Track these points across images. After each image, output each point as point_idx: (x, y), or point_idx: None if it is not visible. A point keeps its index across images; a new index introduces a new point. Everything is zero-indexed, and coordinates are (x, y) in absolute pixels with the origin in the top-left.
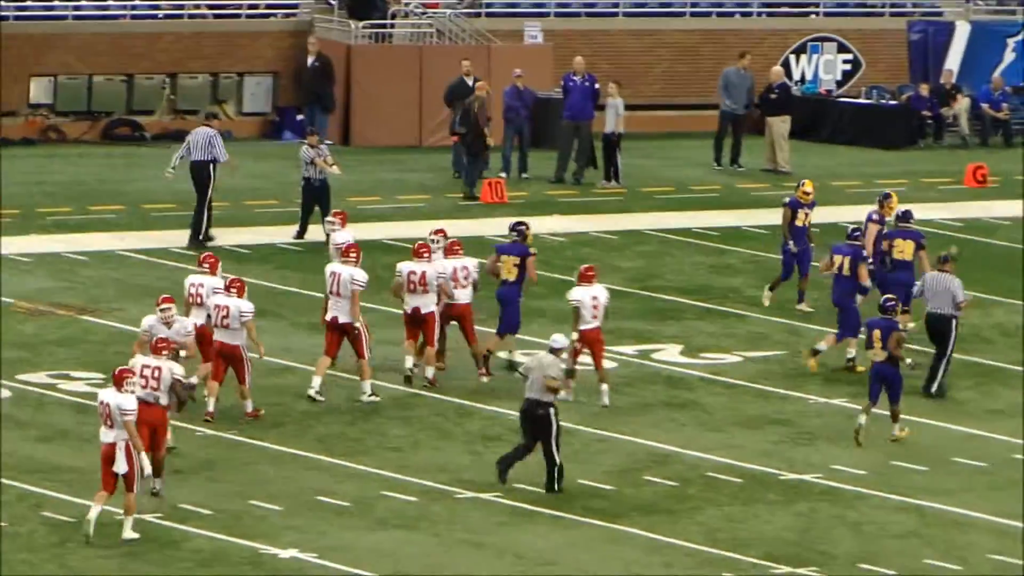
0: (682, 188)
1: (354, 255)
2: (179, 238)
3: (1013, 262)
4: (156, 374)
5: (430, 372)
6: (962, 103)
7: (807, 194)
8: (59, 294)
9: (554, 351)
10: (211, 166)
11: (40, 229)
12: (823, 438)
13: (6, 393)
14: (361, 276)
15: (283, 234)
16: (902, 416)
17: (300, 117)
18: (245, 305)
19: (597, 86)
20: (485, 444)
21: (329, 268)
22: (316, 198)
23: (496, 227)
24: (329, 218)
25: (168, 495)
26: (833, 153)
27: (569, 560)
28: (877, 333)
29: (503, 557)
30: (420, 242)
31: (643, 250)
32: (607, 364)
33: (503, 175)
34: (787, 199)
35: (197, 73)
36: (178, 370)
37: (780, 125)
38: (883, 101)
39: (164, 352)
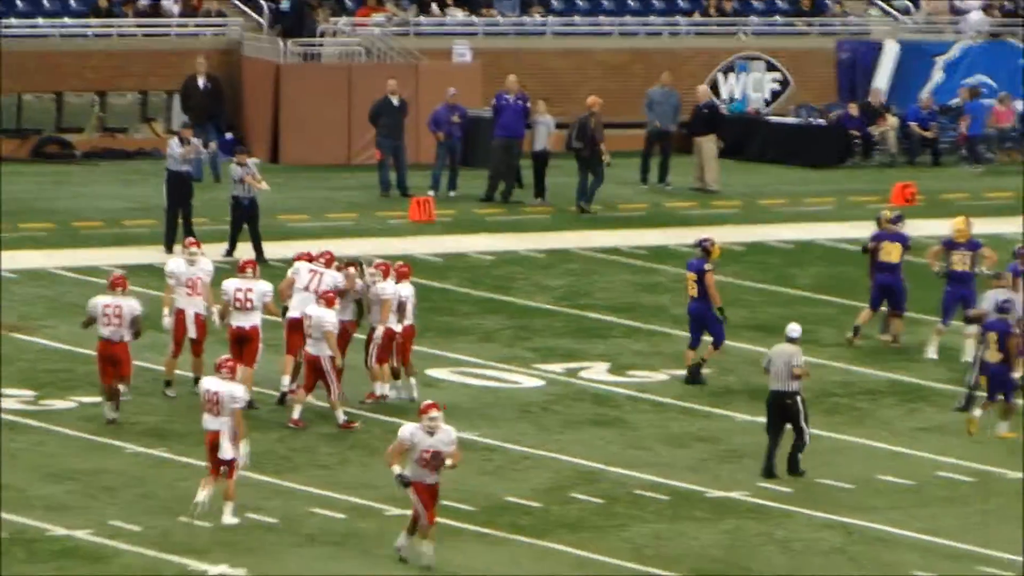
0: (610, 206)
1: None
2: (108, 256)
3: (937, 280)
4: (118, 311)
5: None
6: (890, 122)
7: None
8: (43, 309)
9: (791, 340)
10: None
11: (25, 244)
12: (749, 455)
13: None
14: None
15: (213, 252)
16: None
17: (228, 135)
18: (328, 315)
19: (528, 105)
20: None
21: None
22: (246, 216)
23: (422, 246)
24: (371, 269)
25: (95, 513)
26: (761, 172)
27: (499, 564)
28: (993, 336)
29: (439, 566)
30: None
31: (571, 268)
32: (534, 382)
33: (431, 193)
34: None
35: (127, 91)
36: (137, 308)
37: (708, 144)
38: (812, 120)
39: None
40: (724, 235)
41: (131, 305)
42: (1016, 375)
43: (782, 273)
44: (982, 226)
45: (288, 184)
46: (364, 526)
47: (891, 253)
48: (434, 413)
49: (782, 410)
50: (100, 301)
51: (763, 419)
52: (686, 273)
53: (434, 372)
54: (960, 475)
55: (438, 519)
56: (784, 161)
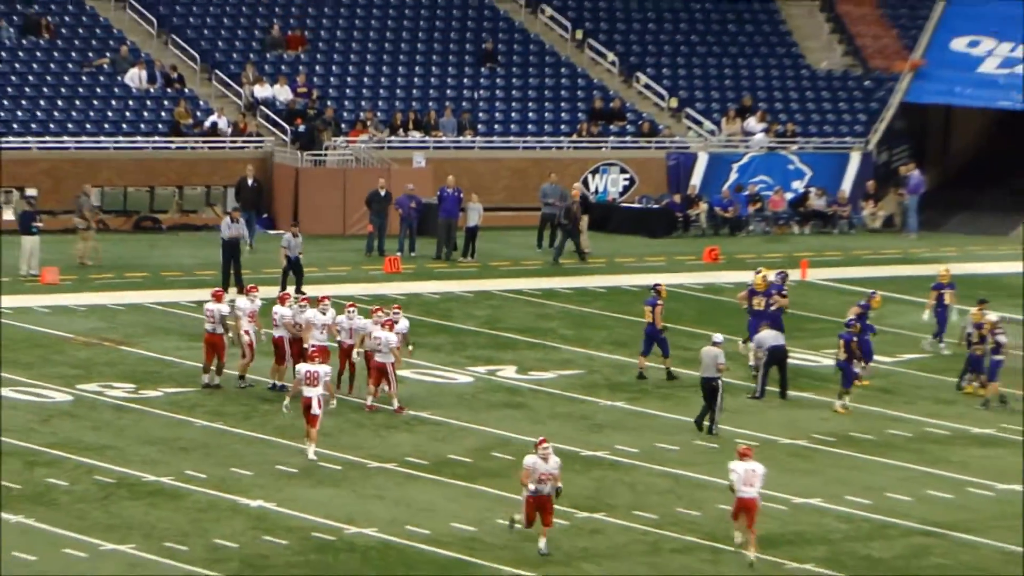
0: (516, 263)
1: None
2: (184, 295)
3: (738, 313)
4: (211, 314)
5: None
6: (702, 207)
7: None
8: (104, 331)
9: (716, 344)
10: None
11: (91, 288)
12: (609, 427)
13: (69, 397)
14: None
15: (273, 293)
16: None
17: (265, 216)
18: (392, 337)
19: (462, 195)
20: (385, 431)
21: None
22: (293, 268)
23: (392, 289)
24: (395, 308)
25: (175, 466)
26: (617, 240)
27: (441, 507)
28: (841, 342)
29: (398, 505)
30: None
31: (490, 304)
32: (467, 379)
33: (399, 253)
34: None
35: (196, 185)
36: (226, 310)
37: (582, 222)
38: (650, 205)
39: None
40: (593, 282)
41: (221, 309)
42: (857, 369)
43: (631, 307)
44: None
45: (304, 247)
46: (354, 474)
47: (760, 303)
48: (546, 445)
49: (709, 390)
50: (206, 307)
51: (618, 403)
52: (644, 307)
53: (401, 372)
54: (752, 440)
55: (405, 470)
56: (632, 233)
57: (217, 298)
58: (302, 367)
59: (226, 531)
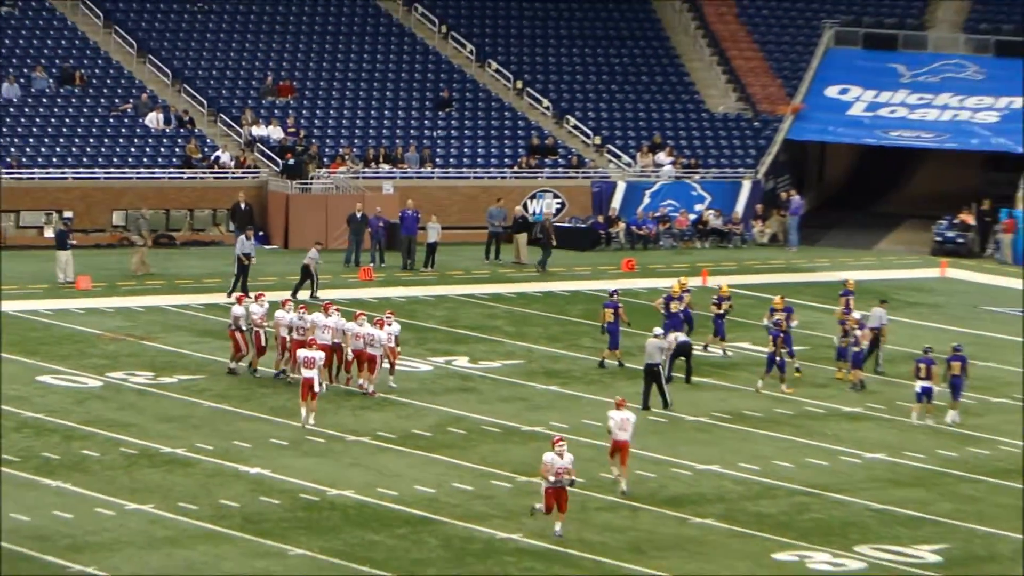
0: (468, 272)
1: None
2: (195, 299)
3: (651, 312)
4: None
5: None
6: (620, 226)
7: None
8: (128, 329)
9: (656, 336)
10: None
11: (119, 294)
12: (544, 407)
13: (99, 383)
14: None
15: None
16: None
17: (260, 234)
18: (383, 334)
19: (420, 215)
20: (360, 410)
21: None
22: (312, 276)
23: (367, 294)
24: (388, 313)
25: (187, 440)
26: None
27: (407, 473)
28: (771, 338)
29: (371, 471)
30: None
31: (448, 306)
32: (428, 367)
33: (371, 265)
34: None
35: (204, 208)
36: (240, 311)
37: (521, 238)
38: (578, 224)
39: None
40: (531, 288)
41: (239, 310)
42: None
43: (563, 308)
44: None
45: (294, 259)
46: (336, 447)
47: (676, 307)
48: (562, 443)
49: (652, 374)
50: (234, 310)
51: (551, 387)
52: (606, 309)
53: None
54: (662, 418)
55: (377, 443)
56: (563, 247)
57: (240, 301)
58: (302, 353)
59: (229, 493)
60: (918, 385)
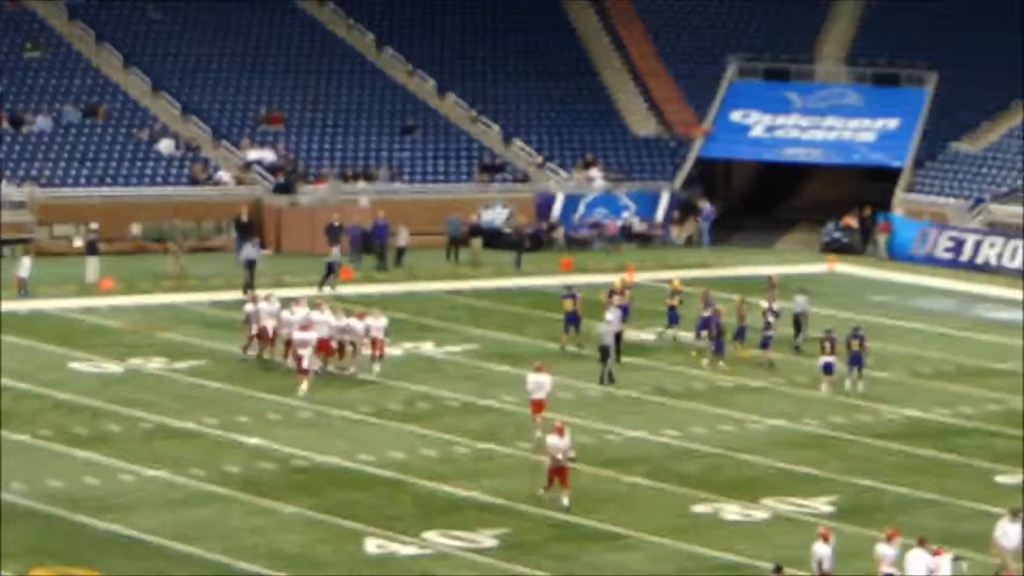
0: (432, 271)
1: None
2: (202, 297)
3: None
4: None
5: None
6: (559, 231)
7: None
8: (146, 322)
9: (608, 321)
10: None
11: (138, 292)
12: (499, 386)
13: (121, 368)
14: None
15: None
16: None
17: (258, 240)
18: (360, 325)
19: (389, 224)
20: (343, 389)
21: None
22: (333, 271)
23: (347, 291)
24: (374, 311)
25: (195, 415)
26: (501, 255)
27: (380, 442)
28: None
29: (352, 441)
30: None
31: (415, 301)
32: (398, 352)
33: (351, 265)
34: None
35: (209, 220)
36: (249, 308)
37: (476, 241)
38: (524, 231)
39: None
40: (485, 285)
41: (249, 308)
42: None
43: (512, 301)
44: (606, 278)
45: (286, 261)
46: (322, 421)
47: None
48: (561, 428)
49: (604, 354)
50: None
51: (503, 368)
52: (565, 300)
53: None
54: (598, 393)
55: (356, 415)
56: (511, 250)
57: (255, 301)
58: (297, 335)
59: (232, 460)
60: (822, 360)
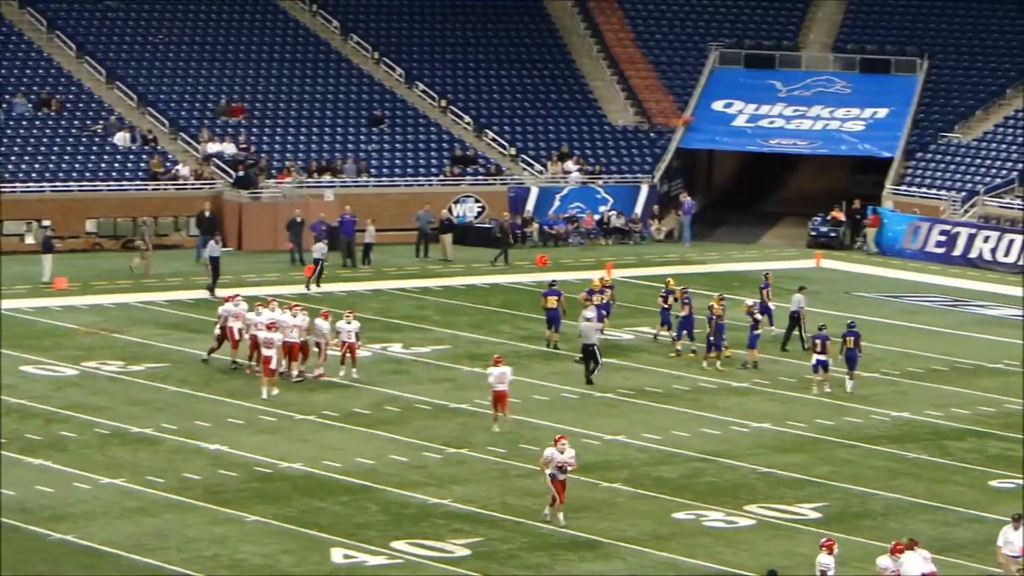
0: (400, 268)
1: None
2: (159, 296)
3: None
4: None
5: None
6: (534, 226)
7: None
8: (101, 323)
9: (588, 320)
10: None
11: (92, 292)
12: (469, 387)
13: (75, 372)
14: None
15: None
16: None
17: (218, 236)
18: (326, 325)
19: (356, 219)
20: (307, 392)
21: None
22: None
23: (312, 289)
24: (349, 312)
25: (153, 420)
26: (473, 251)
27: (349, 446)
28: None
29: (317, 446)
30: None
31: (383, 299)
32: (367, 353)
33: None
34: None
35: (167, 216)
36: (221, 312)
37: (447, 238)
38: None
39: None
40: (456, 282)
41: (226, 308)
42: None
43: (484, 299)
44: (582, 275)
45: (246, 259)
46: (285, 424)
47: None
48: (564, 441)
49: (589, 353)
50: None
51: (475, 369)
52: (549, 296)
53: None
54: (572, 394)
55: (323, 420)
56: (484, 245)
57: (228, 300)
58: (262, 335)
59: (192, 467)
60: (814, 358)
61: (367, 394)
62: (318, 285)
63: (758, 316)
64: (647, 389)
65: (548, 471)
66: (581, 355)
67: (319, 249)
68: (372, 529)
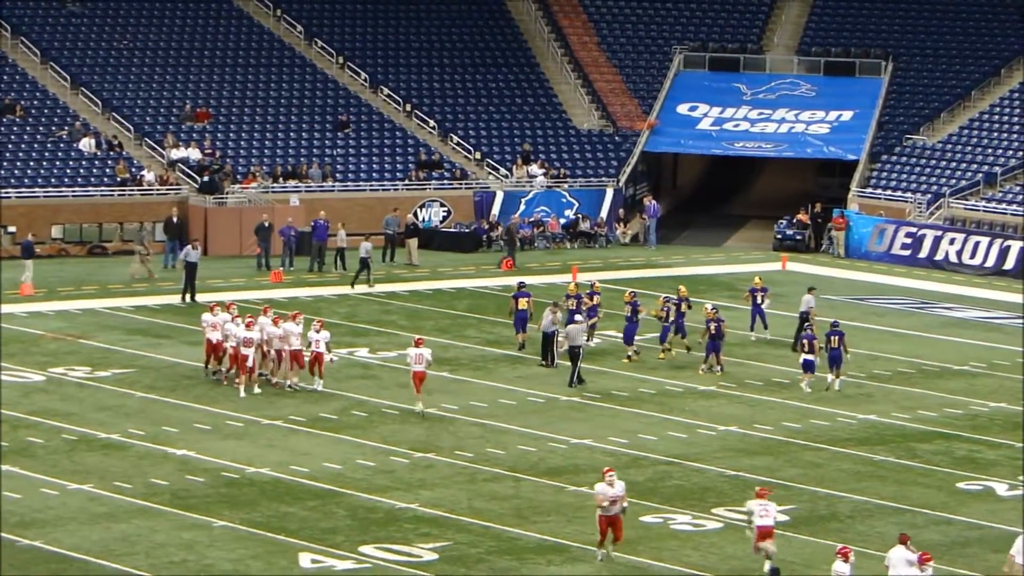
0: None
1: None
2: (126, 302)
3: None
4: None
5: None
6: (500, 231)
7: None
8: (67, 329)
9: (575, 322)
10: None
11: (58, 298)
12: (436, 391)
13: (42, 378)
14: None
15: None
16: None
17: (192, 242)
18: (296, 327)
19: (328, 224)
20: (273, 397)
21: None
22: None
23: (278, 295)
24: (318, 322)
25: (121, 426)
26: (439, 255)
27: (316, 451)
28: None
29: (285, 451)
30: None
31: (350, 304)
32: (334, 356)
33: (282, 268)
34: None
35: (133, 222)
36: (205, 321)
37: (413, 242)
38: (462, 229)
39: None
40: (422, 286)
41: (206, 318)
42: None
43: (450, 303)
44: (548, 279)
45: (212, 264)
46: (252, 429)
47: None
48: (611, 474)
49: (574, 355)
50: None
51: (442, 373)
52: (519, 298)
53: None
54: (539, 399)
55: (291, 426)
56: (449, 250)
57: (211, 310)
58: (240, 333)
59: (159, 473)
60: (801, 358)
61: (334, 399)
62: (371, 285)
63: (723, 320)
64: (613, 392)
65: (601, 508)
66: (542, 353)
67: (365, 248)
68: (340, 534)
